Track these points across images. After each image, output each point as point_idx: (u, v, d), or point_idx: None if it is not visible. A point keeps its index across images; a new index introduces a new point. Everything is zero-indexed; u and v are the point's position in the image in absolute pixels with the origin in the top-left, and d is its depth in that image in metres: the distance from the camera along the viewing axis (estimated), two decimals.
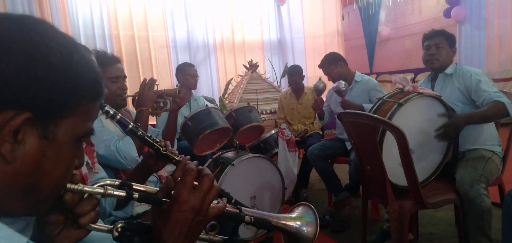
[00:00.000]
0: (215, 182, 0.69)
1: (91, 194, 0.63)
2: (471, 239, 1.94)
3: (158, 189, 0.71)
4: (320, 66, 3.14)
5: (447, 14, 6.44)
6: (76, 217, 0.62)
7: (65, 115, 0.51)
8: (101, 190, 0.63)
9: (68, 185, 0.60)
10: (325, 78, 3.22)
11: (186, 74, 3.44)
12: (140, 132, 1.15)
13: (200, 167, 0.71)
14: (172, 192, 0.68)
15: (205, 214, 0.67)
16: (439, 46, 2.26)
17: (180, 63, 3.71)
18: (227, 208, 0.74)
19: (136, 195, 0.66)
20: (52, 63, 0.48)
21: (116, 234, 0.67)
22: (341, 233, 2.63)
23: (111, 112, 1.15)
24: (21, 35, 0.47)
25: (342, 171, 3.21)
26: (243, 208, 0.78)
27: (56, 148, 0.51)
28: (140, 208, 1.68)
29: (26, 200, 0.51)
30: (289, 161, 2.97)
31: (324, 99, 3.20)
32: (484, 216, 1.88)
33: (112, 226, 0.67)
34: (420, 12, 7.40)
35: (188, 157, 1.11)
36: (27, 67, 0.46)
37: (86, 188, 0.62)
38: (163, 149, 1.14)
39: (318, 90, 2.95)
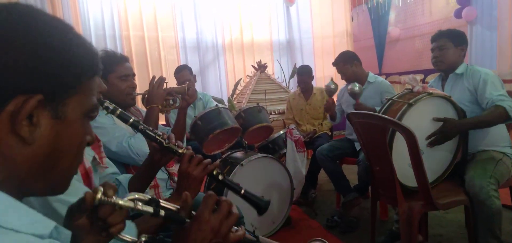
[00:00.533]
0: (234, 209, 0.73)
1: (122, 207, 0.66)
2: (481, 241, 1.92)
3: (179, 207, 0.74)
4: (334, 64, 3.10)
5: (458, 14, 6.37)
6: (107, 226, 0.66)
7: (71, 94, 0.54)
8: (131, 205, 0.66)
9: (103, 197, 0.62)
10: (336, 77, 3.21)
11: (179, 81, 3.39)
12: (142, 126, 1.14)
13: (222, 198, 0.74)
14: (193, 212, 0.72)
15: (224, 238, 0.71)
16: (442, 48, 2.26)
17: (190, 63, 3.72)
18: (245, 236, 0.79)
19: (162, 213, 0.69)
20: (52, 45, 0.51)
21: None
22: (349, 234, 2.63)
23: (111, 107, 1.15)
24: (19, 22, 0.49)
25: (351, 172, 3.20)
26: (260, 237, 0.83)
27: (68, 127, 0.54)
28: None
29: (46, 179, 0.54)
30: (298, 161, 2.97)
31: (336, 98, 3.19)
32: (494, 218, 1.86)
33: (136, 239, 0.70)
34: (431, 13, 7.32)
35: (191, 151, 1.12)
36: (31, 52, 0.48)
37: (119, 201, 0.64)
38: (166, 142, 1.13)
39: (330, 91, 2.93)
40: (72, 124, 0.54)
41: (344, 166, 3.09)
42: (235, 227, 0.76)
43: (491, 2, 6.03)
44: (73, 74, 0.54)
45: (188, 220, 0.71)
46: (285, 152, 3.02)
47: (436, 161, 2.06)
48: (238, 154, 2.70)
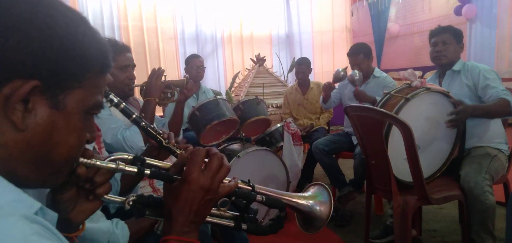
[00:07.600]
0: (225, 161, 0.70)
1: (102, 168, 0.65)
2: (474, 236, 1.94)
3: (171, 164, 0.72)
4: (352, 55, 3.03)
5: (457, 11, 6.36)
6: (93, 189, 0.66)
7: (73, 86, 0.53)
8: (113, 165, 0.65)
9: (81, 159, 0.61)
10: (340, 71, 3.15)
11: (189, 66, 3.48)
12: (144, 123, 1.15)
13: (209, 147, 0.72)
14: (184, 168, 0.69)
15: (215, 193, 0.69)
16: (446, 43, 2.26)
17: (188, 55, 3.73)
18: (239, 185, 0.76)
19: (147, 172, 0.67)
20: (58, 33, 0.49)
21: (128, 206, 0.69)
22: (344, 228, 2.64)
23: (115, 100, 1.16)
24: (27, 7, 0.48)
25: (347, 166, 3.21)
26: (256, 186, 0.79)
27: (67, 119, 0.53)
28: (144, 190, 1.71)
29: (39, 170, 0.53)
30: (294, 154, 2.97)
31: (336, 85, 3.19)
32: (488, 213, 1.88)
33: (125, 198, 0.69)
34: (430, 9, 7.31)
35: (191, 147, 1.12)
36: (34, 37, 0.47)
37: (99, 163, 0.63)
38: (166, 141, 1.13)
39: (338, 77, 2.90)
40: (71, 117, 0.53)
41: (340, 161, 3.10)
42: (228, 178, 0.73)
43: (491, 0, 6.03)
44: (77, 66, 0.52)
45: (178, 177, 0.68)
46: (282, 145, 3.02)
47: (432, 156, 2.07)
48: (235, 146, 2.70)
